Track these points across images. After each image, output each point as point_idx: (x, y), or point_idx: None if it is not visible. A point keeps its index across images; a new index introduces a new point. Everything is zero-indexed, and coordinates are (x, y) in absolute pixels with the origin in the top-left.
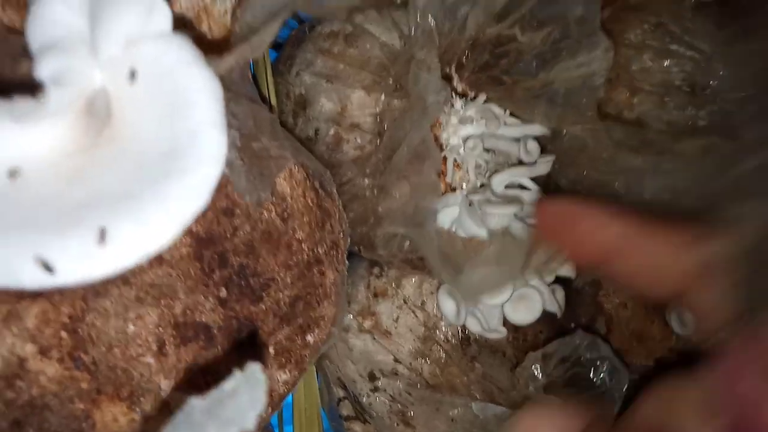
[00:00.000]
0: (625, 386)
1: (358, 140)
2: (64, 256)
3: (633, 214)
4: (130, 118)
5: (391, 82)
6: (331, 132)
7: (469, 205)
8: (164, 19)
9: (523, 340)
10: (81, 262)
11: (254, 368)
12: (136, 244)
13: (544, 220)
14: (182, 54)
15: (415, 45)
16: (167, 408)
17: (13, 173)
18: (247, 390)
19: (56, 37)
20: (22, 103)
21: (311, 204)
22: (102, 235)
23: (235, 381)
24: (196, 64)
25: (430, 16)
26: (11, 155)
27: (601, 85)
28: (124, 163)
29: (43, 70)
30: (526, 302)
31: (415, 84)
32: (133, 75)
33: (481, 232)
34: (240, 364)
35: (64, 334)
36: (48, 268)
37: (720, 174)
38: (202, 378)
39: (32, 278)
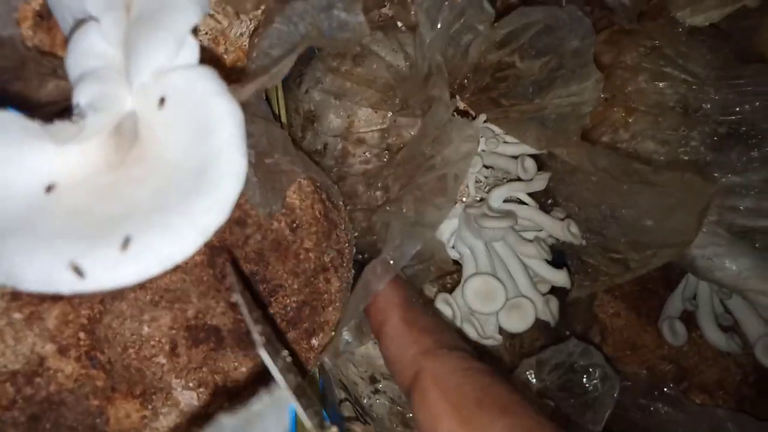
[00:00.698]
0: (616, 392)
1: (366, 154)
2: (95, 264)
3: (405, 307)
4: (159, 140)
5: (397, 101)
6: (339, 146)
7: (468, 218)
8: (192, 52)
9: (519, 347)
10: (113, 269)
11: (281, 393)
12: (164, 252)
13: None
14: (208, 84)
15: (426, 77)
16: (177, 406)
17: (49, 188)
18: (273, 412)
19: (93, 67)
20: (62, 127)
21: (319, 215)
22: (126, 243)
23: (262, 403)
24: (221, 93)
25: (437, 51)
26: (48, 172)
27: (588, 114)
28: (153, 180)
29: (81, 96)
30: (520, 311)
31: (433, 118)
32: (162, 102)
33: (478, 244)
34: (266, 383)
35: (82, 334)
36: (80, 273)
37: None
38: (212, 378)
39: (67, 284)
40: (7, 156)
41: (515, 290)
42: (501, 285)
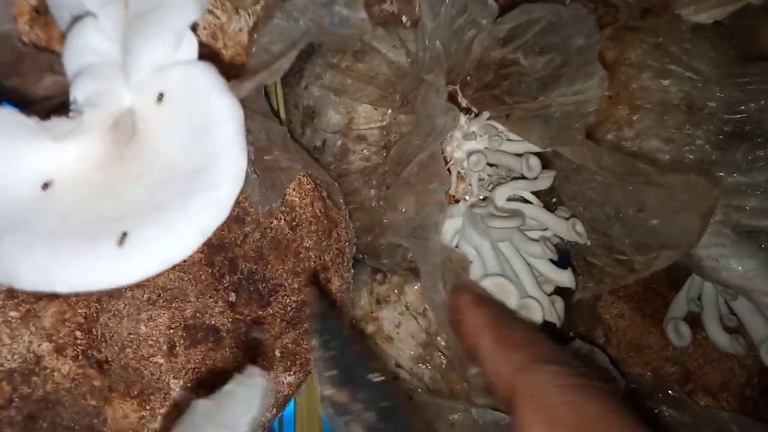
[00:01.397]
0: (621, 394)
1: (365, 152)
2: (93, 263)
3: (494, 326)
4: (157, 137)
5: (397, 97)
6: (338, 143)
7: (473, 217)
8: (191, 48)
9: None
10: (110, 269)
11: (253, 371)
12: (162, 252)
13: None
14: (208, 80)
15: (424, 68)
16: (177, 407)
17: (46, 185)
18: (243, 394)
19: (90, 63)
20: (59, 123)
21: (319, 213)
22: (123, 243)
23: (233, 383)
24: (221, 90)
25: (438, 40)
26: (45, 169)
27: (593, 112)
28: (151, 177)
29: (79, 92)
30: (527, 312)
31: (423, 105)
32: (161, 98)
33: (484, 244)
34: (242, 366)
35: (79, 333)
36: (78, 273)
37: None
38: (210, 378)
39: (64, 284)
40: (4, 153)
41: (522, 291)
42: (513, 286)
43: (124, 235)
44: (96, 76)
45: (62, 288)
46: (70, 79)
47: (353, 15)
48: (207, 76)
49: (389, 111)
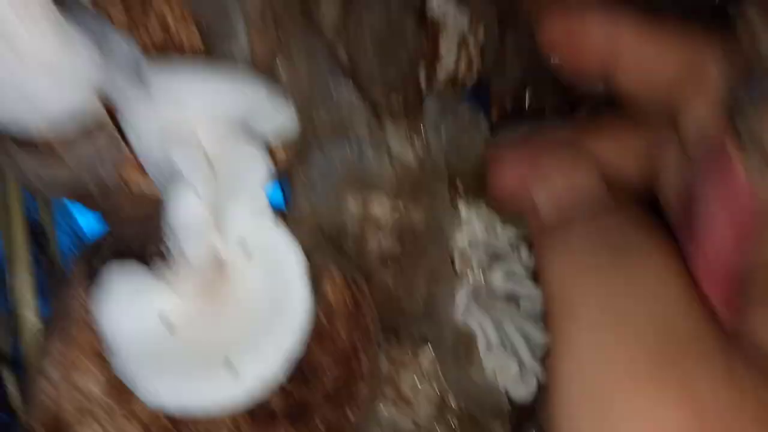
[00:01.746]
0: None
1: (380, 238)
2: (214, 389)
3: (631, 16)
4: (243, 282)
5: (408, 189)
6: (356, 229)
7: (476, 297)
8: (264, 204)
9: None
10: (229, 394)
11: None
12: (263, 375)
13: (551, 37)
14: (280, 236)
15: (429, 176)
16: None
17: (166, 324)
18: None
19: (190, 222)
20: (169, 271)
21: (348, 301)
22: (233, 371)
23: None
24: (289, 242)
25: (440, 154)
26: (163, 310)
27: None
28: (243, 316)
29: (181, 246)
30: (525, 383)
31: (430, 209)
32: (246, 250)
33: (486, 321)
34: None
35: (168, 423)
36: (205, 398)
37: None
38: None
39: (197, 407)
40: (136, 302)
41: (520, 363)
42: (515, 362)
43: (234, 367)
44: (195, 233)
45: (197, 410)
46: (170, 230)
47: (377, 158)
48: (280, 233)
49: (401, 204)
